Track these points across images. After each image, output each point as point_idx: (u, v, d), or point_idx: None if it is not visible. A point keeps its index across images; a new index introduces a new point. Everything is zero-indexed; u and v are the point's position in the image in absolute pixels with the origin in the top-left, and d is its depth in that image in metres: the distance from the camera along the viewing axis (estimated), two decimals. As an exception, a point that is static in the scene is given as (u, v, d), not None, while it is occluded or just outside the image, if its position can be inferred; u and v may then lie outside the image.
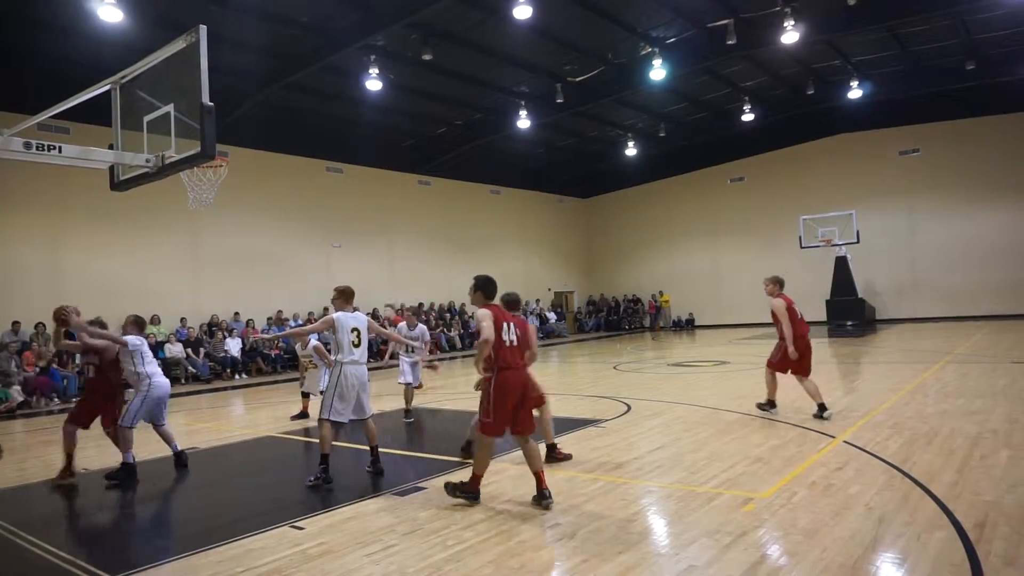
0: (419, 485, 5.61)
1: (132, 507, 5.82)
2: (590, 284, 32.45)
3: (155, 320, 16.25)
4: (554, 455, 6.17)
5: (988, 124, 22.71)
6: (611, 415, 8.50)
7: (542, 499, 4.81)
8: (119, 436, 6.37)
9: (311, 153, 20.74)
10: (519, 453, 5.22)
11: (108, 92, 5.09)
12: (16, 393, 12.74)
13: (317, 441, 5.96)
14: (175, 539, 4.94)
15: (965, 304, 23.04)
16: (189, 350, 16.31)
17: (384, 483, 5.79)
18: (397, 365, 9.67)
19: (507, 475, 5.73)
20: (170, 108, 4.74)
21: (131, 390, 6.59)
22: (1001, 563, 3.46)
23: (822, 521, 4.21)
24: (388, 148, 22.78)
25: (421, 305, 22.65)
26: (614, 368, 14.77)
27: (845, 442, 6.30)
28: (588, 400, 10.06)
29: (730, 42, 15.99)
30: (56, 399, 13.34)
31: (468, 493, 4.99)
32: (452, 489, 5.05)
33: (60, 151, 4.77)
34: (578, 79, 19.24)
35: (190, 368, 16.04)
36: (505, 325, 4.99)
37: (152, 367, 6.62)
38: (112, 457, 6.71)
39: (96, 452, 7.63)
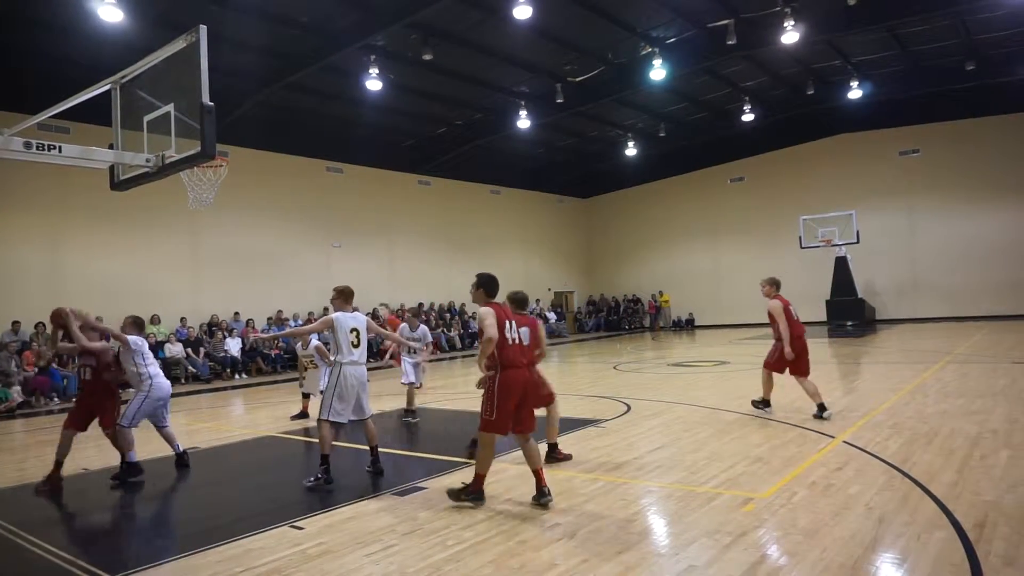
0: (419, 485, 5.61)
1: (132, 507, 5.82)
2: (590, 284, 32.44)
3: (155, 320, 16.25)
4: (554, 455, 6.17)
5: (988, 124, 22.71)
6: (611, 415, 8.50)
7: (541, 497, 4.81)
8: (119, 437, 6.35)
9: (311, 153, 20.75)
10: (519, 453, 5.22)
11: (108, 92, 5.09)
12: (16, 393, 12.75)
13: (317, 441, 5.95)
14: (175, 539, 4.94)
15: (965, 304, 23.04)
16: (189, 350, 16.31)
17: (384, 483, 5.79)
18: (396, 365, 9.68)
19: (507, 475, 5.72)
20: (170, 108, 4.73)
21: (131, 390, 6.58)
22: (1001, 563, 3.46)
23: (822, 521, 4.21)
24: (388, 148, 22.78)
25: (421, 305, 22.63)
26: (614, 368, 14.77)
27: (845, 442, 6.30)
28: (588, 400, 10.06)
29: (730, 42, 16.01)
30: (56, 399, 13.36)
31: (472, 494, 4.95)
32: (456, 495, 4.98)
33: (60, 151, 4.76)
34: (578, 79, 19.24)
35: (190, 368, 16.05)
36: (507, 323, 4.97)
37: (154, 368, 6.62)
38: (113, 457, 6.70)
39: (96, 452, 7.62)
